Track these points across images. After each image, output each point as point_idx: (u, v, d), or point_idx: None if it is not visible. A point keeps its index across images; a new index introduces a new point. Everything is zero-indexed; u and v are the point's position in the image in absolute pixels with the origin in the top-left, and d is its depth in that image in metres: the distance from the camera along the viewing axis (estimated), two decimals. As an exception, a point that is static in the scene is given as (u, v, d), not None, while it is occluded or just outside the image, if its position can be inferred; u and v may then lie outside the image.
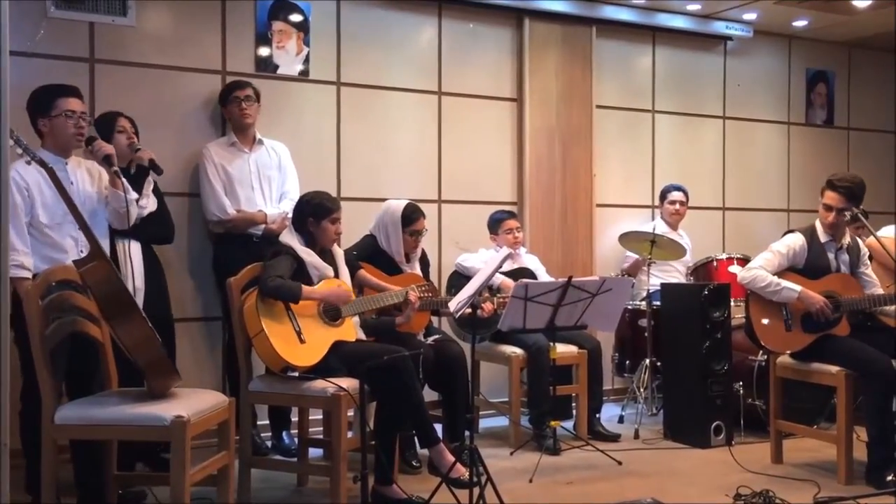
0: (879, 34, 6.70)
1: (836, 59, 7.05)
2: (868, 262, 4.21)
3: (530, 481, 3.94)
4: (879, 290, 4.12)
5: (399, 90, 5.32)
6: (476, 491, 3.23)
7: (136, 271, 3.80)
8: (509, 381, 4.74)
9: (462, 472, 3.42)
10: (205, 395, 3.19)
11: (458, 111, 5.51)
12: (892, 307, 3.90)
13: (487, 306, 4.44)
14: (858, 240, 4.21)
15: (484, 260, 4.72)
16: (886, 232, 4.33)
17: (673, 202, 5.89)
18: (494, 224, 5.10)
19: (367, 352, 3.57)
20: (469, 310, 3.53)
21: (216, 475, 3.14)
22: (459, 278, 4.70)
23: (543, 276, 5.06)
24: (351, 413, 3.71)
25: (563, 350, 4.67)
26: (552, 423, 4.41)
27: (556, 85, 5.75)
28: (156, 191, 3.91)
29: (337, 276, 3.81)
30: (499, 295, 4.55)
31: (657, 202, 6.09)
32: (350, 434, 3.65)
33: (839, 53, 7.06)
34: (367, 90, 5.21)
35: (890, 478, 3.68)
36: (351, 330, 3.75)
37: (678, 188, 5.92)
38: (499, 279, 4.72)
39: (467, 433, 3.60)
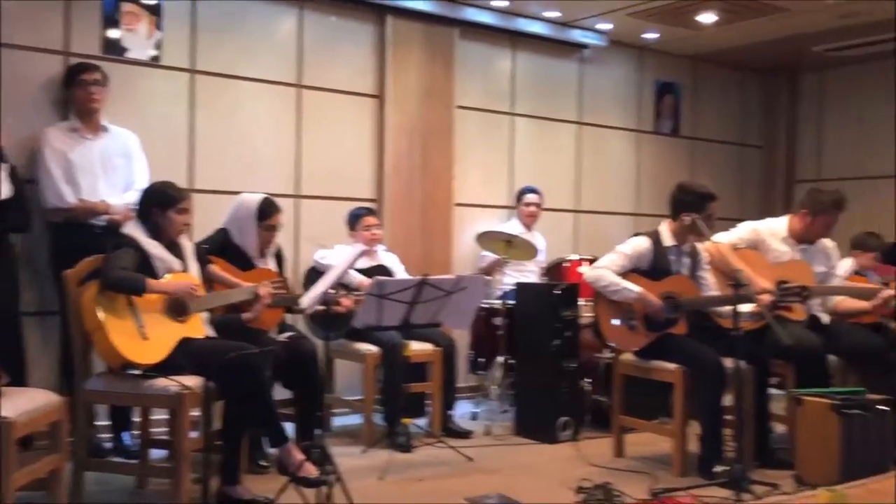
0: (723, 50, 7.10)
1: (683, 71, 7.42)
2: (706, 267, 4.44)
3: (381, 479, 3.94)
4: (715, 293, 4.36)
5: (257, 81, 5.19)
6: (324, 490, 3.19)
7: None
8: (363, 378, 4.72)
9: (311, 470, 3.37)
10: (34, 394, 3.01)
11: (319, 105, 5.44)
12: (726, 308, 4.12)
13: (344, 303, 4.40)
14: (697, 245, 4.44)
15: (342, 257, 4.67)
16: (719, 238, 4.58)
17: (528, 204, 6.03)
18: (353, 220, 5.07)
19: (216, 349, 3.46)
20: (322, 306, 3.49)
21: (47, 479, 2.97)
22: (317, 275, 4.64)
23: (401, 273, 5.07)
24: (197, 413, 3.58)
25: (418, 348, 4.69)
26: (405, 420, 4.42)
27: (417, 83, 5.77)
28: (14, 176, 3.67)
29: (185, 269, 3.68)
30: (355, 292, 4.52)
31: (515, 203, 6.22)
32: (195, 434, 3.52)
33: (686, 67, 7.43)
34: (224, 79, 5.06)
35: (718, 469, 3.88)
36: (199, 326, 3.62)
37: (533, 190, 6.07)
38: (356, 277, 4.70)
39: (318, 431, 3.56)
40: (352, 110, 5.59)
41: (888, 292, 4.35)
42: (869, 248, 5.50)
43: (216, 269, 3.96)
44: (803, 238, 4.60)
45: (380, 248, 5.14)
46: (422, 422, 4.83)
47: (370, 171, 5.67)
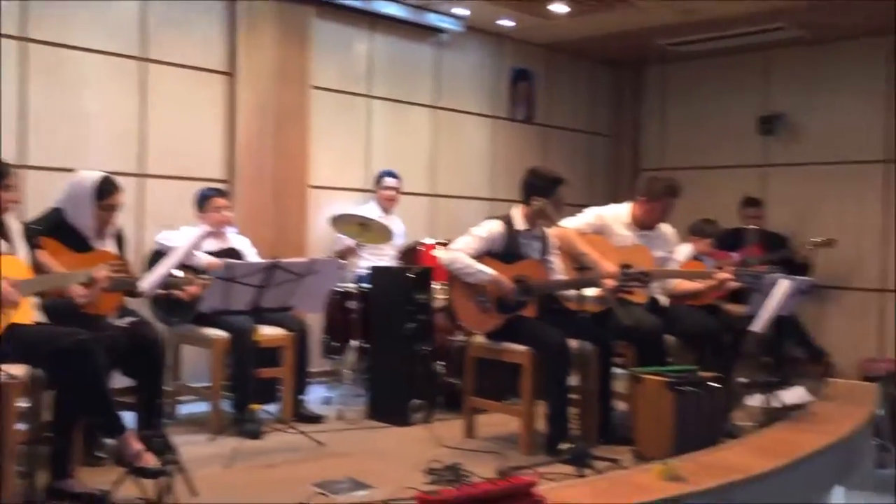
0: (575, 40, 7.31)
1: (538, 60, 7.59)
2: (555, 251, 4.56)
3: (227, 467, 3.83)
4: (562, 276, 4.48)
5: (97, 53, 4.92)
6: (164, 480, 3.06)
7: None
8: (211, 364, 4.57)
9: (150, 460, 3.23)
10: None
11: (165, 81, 5.22)
12: (573, 291, 4.24)
13: (189, 290, 4.23)
14: (546, 230, 4.55)
15: (185, 238, 4.49)
16: (567, 223, 4.71)
17: (388, 188, 6.00)
18: (202, 201, 4.88)
19: (47, 335, 3.25)
20: (163, 290, 3.34)
21: None
22: (160, 258, 4.43)
23: (252, 256, 4.94)
24: (26, 403, 3.35)
25: (269, 332, 4.58)
26: (254, 406, 4.32)
27: (271, 62, 5.62)
28: None
29: (12, 252, 3.42)
30: (202, 276, 4.35)
31: (371, 186, 6.18)
32: (22, 426, 3.30)
33: (540, 55, 7.60)
34: (59, 49, 4.77)
35: (563, 447, 4.01)
36: (27, 311, 3.39)
37: (392, 174, 6.04)
38: (204, 259, 4.53)
39: (161, 420, 3.42)
40: (201, 87, 5.39)
41: (721, 275, 4.59)
42: (706, 234, 5.82)
43: (45, 255, 3.70)
44: (644, 224, 4.79)
45: (230, 231, 4.98)
46: (273, 408, 4.73)
47: (220, 151, 5.49)
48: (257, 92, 5.56)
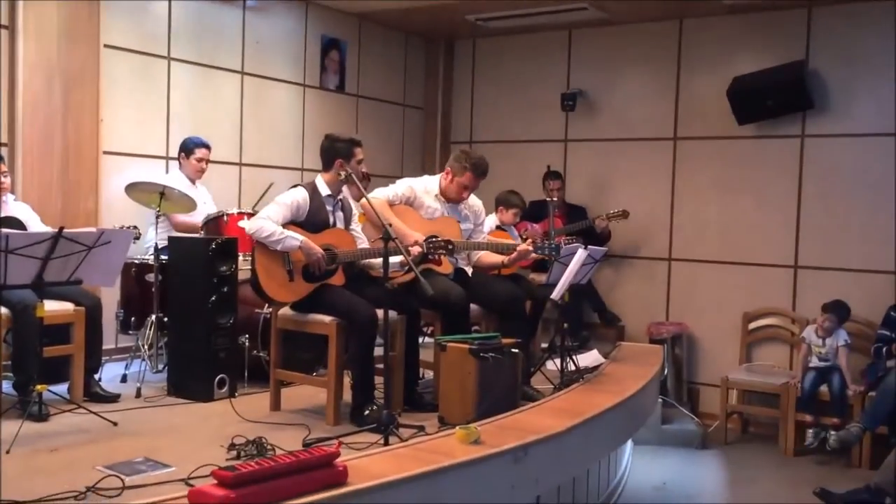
0: (387, 10, 7.27)
1: (349, 29, 7.49)
2: (357, 220, 4.54)
3: (7, 452, 3.53)
4: (367, 245, 4.48)
5: None
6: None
7: None
8: (-10, 343, 4.20)
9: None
10: None
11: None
12: (378, 260, 4.24)
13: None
14: (348, 199, 4.52)
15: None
16: (376, 194, 4.70)
17: (200, 159, 5.69)
18: (-27, 167, 4.46)
19: None
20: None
21: None
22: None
23: (37, 226, 4.58)
24: None
25: (55, 308, 4.27)
26: (40, 387, 4.00)
27: (56, 16, 5.18)
28: None
29: None
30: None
31: (173, 153, 5.87)
32: None
33: (352, 24, 7.51)
34: None
35: (367, 413, 4.02)
36: None
37: (204, 144, 5.73)
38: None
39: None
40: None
41: (522, 247, 4.74)
42: (511, 205, 6.02)
43: None
44: (452, 196, 4.86)
45: (9, 198, 4.59)
46: (62, 388, 4.42)
47: (-1, 112, 5.03)
48: (41, 50, 5.12)
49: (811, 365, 6.22)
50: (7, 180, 4.52)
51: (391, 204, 4.73)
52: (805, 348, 6.28)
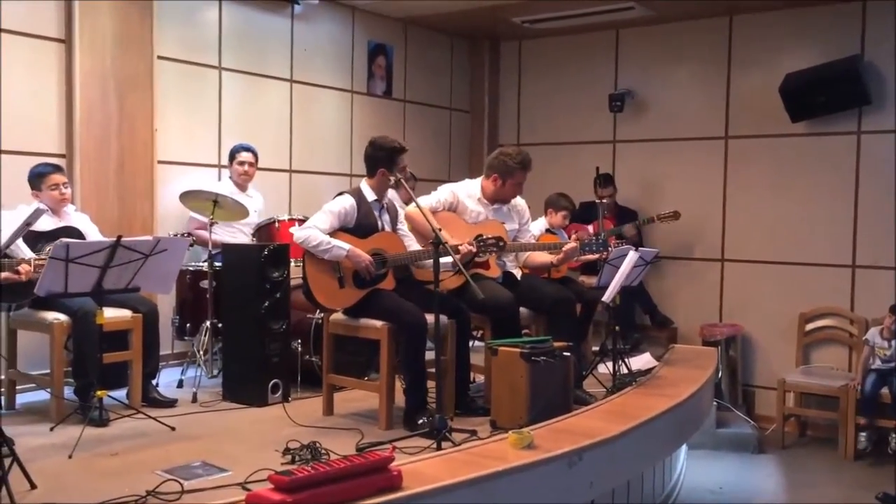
0: (432, 15, 7.29)
1: (395, 34, 7.53)
2: (403, 220, 4.57)
3: (70, 457, 3.62)
4: (417, 247, 4.49)
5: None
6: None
7: None
8: (51, 350, 4.31)
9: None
10: None
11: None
12: (428, 263, 4.24)
13: (23, 267, 3.95)
14: (393, 202, 4.56)
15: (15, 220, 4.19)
16: (420, 201, 4.71)
17: (242, 163, 5.80)
18: (36, 179, 4.56)
19: None
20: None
21: None
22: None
23: (95, 235, 4.67)
24: None
25: (114, 315, 4.36)
26: (100, 393, 4.10)
27: (110, 29, 5.30)
28: None
29: None
30: (37, 256, 4.08)
31: (224, 161, 5.97)
32: None
33: (397, 29, 7.55)
34: None
35: (421, 421, 4.03)
36: None
37: (247, 148, 5.84)
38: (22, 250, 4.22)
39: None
40: (32, 55, 5.02)
41: (570, 245, 4.71)
42: (560, 207, 5.98)
43: None
44: (495, 198, 4.85)
45: (70, 208, 4.70)
46: (121, 393, 4.51)
47: (57, 123, 5.15)
48: (97, 60, 5.24)
49: (873, 367, 6.07)
50: (68, 191, 4.63)
51: (434, 211, 4.71)
52: (867, 350, 6.12)
